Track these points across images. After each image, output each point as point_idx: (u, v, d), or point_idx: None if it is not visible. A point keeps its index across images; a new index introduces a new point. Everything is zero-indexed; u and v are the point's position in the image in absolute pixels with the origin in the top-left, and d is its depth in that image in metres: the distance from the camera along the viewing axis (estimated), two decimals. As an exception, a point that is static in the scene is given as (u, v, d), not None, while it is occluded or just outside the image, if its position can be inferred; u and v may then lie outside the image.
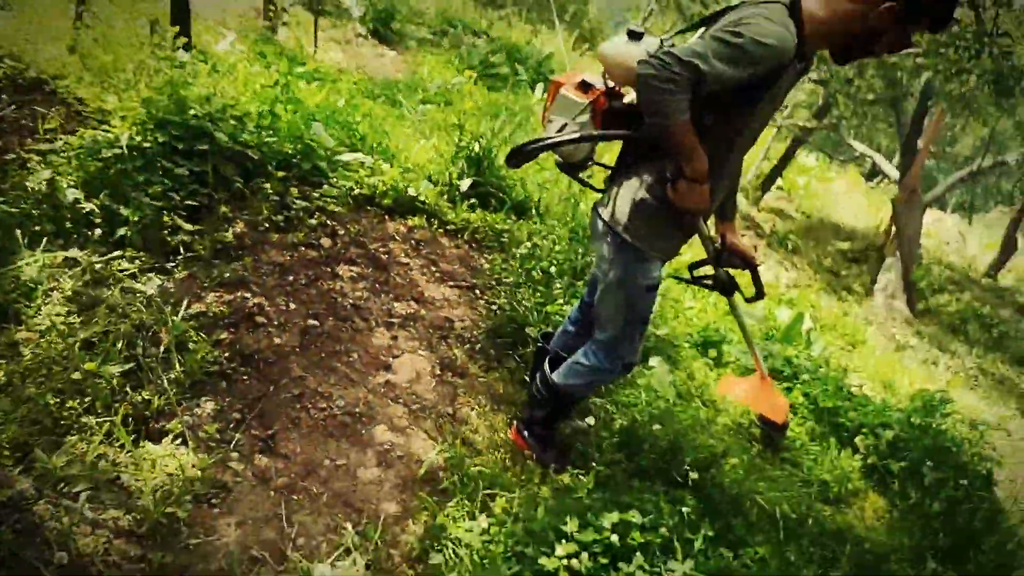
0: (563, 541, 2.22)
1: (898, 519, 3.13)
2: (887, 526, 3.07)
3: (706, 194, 2.19)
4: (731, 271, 2.64)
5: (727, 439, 3.22)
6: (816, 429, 3.59)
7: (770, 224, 9.23)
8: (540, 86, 9.47)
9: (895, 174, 8.39)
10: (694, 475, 2.71)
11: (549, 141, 2.23)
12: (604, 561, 2.21)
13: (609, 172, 2.47)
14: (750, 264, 2.60)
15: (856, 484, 3.34)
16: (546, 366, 2.79)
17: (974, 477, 3.21)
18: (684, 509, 2.46)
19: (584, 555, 2.19)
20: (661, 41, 2.28)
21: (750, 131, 2.26)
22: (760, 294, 2.71)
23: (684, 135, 2.04)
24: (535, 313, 3.60)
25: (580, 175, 2.50)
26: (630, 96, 2.34)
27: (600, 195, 2.51)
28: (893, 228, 8.53)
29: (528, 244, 4.26)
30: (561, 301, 3.73)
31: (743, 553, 2.41)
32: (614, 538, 2.22)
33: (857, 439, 3.43)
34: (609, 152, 2.65)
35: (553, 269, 4.03)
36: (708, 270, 2.63)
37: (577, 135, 2.23)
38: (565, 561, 2.16)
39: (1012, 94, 5.36)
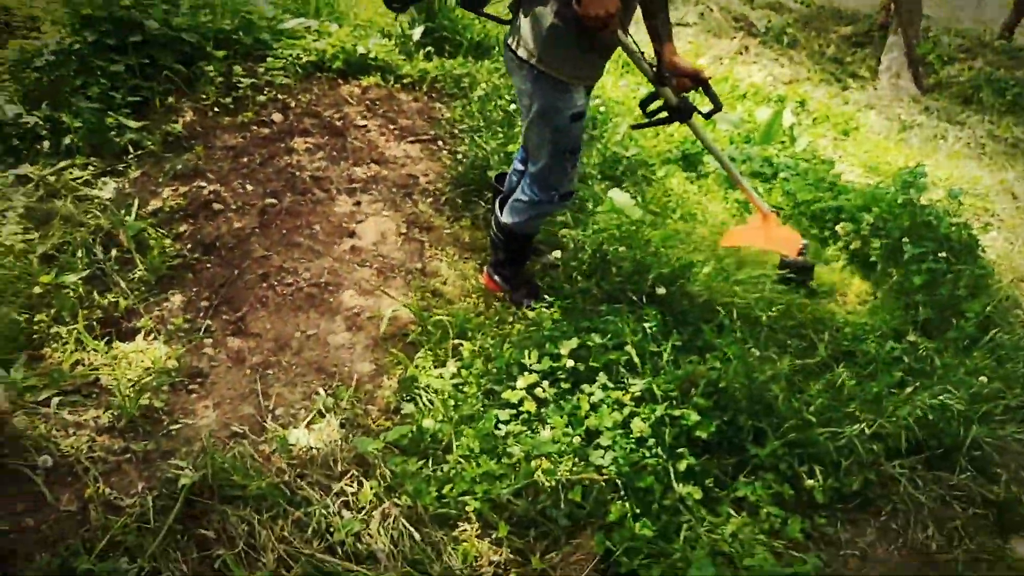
0: (525, 373, 2.28)
1: (881, 300, 3.13)
2: (869, 309, 3.08)
3: None
4: (684, 94, 2.51)
5: (703, 250, 3.20)
6: (799, 225, 3.54)
7: (765, 20, 8.71)
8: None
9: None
10: (661, 290, 2.72)
11: None
12: (567, 386, 2.27)
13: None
14: (699, 80, 2.45)
15: (839, 274, 3.33)
16: (496, 207, 2.76)
17: (956, 246, 3.16)
18: (647, 325, 2.48)
19: (545, 383, 2.25)
20: None
21: None
22: (717, 106, 2.56)
23: None
24: (498, 155, 3.53)
25: (485, 9, 2.34)
26: None
27: (507, 26, 2.37)
28: (892, 3, 7.99)
29: (485, 85, 4.10)
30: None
31: (710, 356, 2.45)
32: (570, 363, 2.27)
33: (838, 227, 3.38)
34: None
35: (513, 107, 3.90)
36: (660, 102, 2.48)
37: None
38: (525, 393, 2.22)
39: None
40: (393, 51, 4.56)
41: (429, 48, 4.67)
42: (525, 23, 2.24)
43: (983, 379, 2.54)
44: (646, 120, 2.56)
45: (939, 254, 3.06)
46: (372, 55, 4.36)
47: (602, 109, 4.26)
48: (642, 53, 2.34)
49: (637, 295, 2.71)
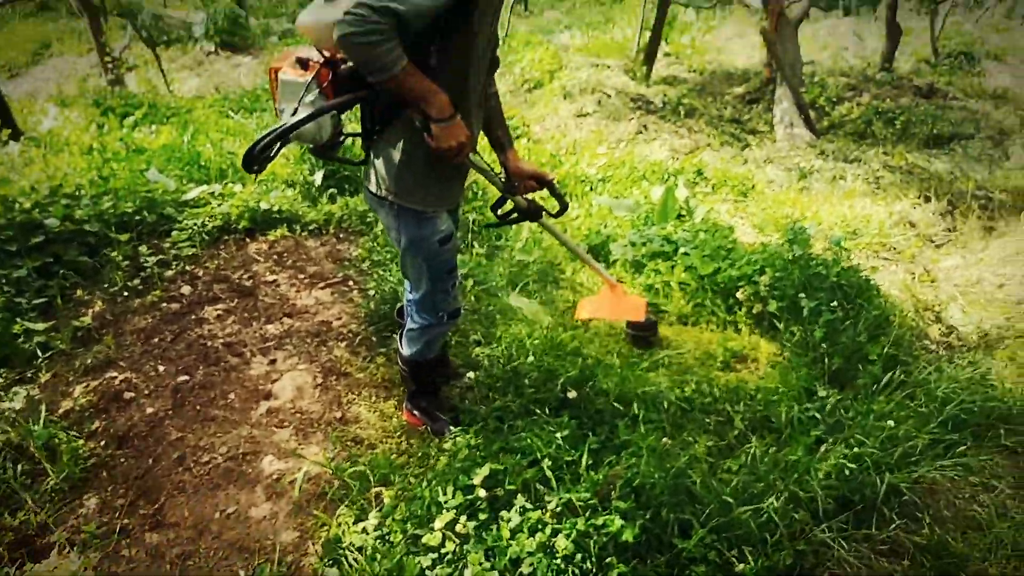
0: (443, 511, 2.27)
1: (789, 360, 3.21)
2: (780, 371, 3.15)
3: (463, 127, 2.14)
4: (530, 196, 2.63)
5: (610, 345, 3.27)
6: (702, 299, 3.64)
7: (662, 96, 9.15)
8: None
9: (758, 4, 8.29)
10: (572, 394, 2.76)
11: (279, 130, 2.09)
12: (485, 516, 2.27)
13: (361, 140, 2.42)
14: (545, 181, 2.60)
15: (747, 339, 3.42)
16: (397, 339, 2.81)
17: (850, 292, 3.28)
18: (559, 435, 2.51)
19: (463, 518, 2.24)
20: None
21: (478, 50, 2.20)
22: (563, 206, 2.73)
23: (411, 80, 1.98)
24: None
25: (337, 154, 2.43)
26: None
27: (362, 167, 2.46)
28: (772, 59, 8.48)
29: (387, 218, 4.22)
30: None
31: (626, 454, 2.47)
32: (482, 493, 2.27)
33: (738, 293, 3.48)
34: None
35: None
36: (509, 204, 2.61)
37: (302, 116, 2.09)
38: (445, 532, 2.21)
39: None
40: (297, 199, 4.70)
41: (332, 190, 4.82)
42: (378, 162, 2.32)
43: (890, 423, 2.60)
44: (498, 221, 2.70)
45: (832, 303, 3.17)
46: (277, 208, 4.49)
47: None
48: (491, 167, 2.46)
49: (549, 404, 2.75)
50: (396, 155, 2.26)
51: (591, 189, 5.45)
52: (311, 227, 4.43)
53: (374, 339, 3.48)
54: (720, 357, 3.22)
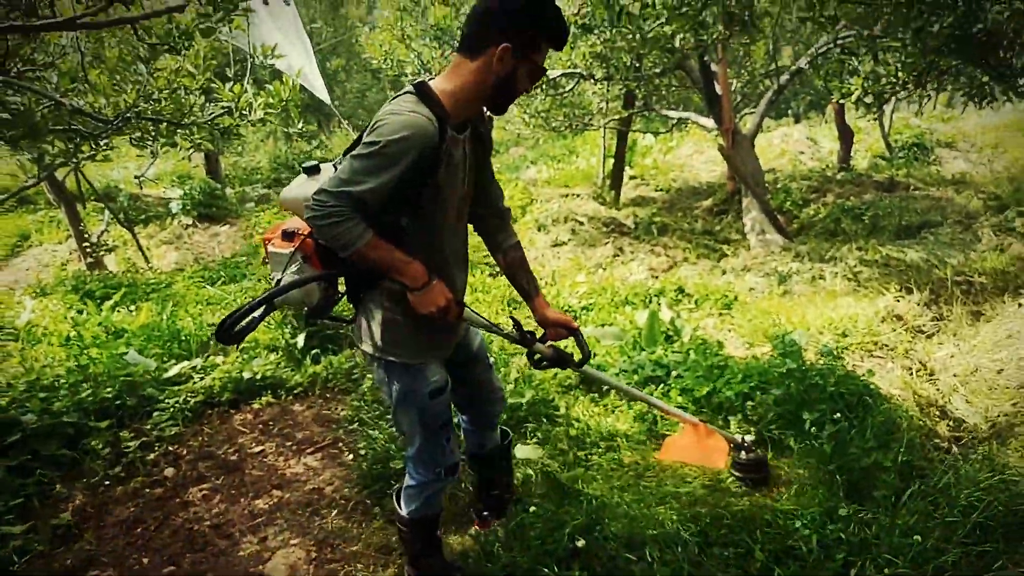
0: None
1: (803, 479, 3.09)
2: (795, 492, 3.02)
3: (442, 289, 2.15)
4: (559, 343, 2.63)
5: (614, 480, 3.14)
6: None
7: (633, 218, 9.38)
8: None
9: (712, 124, 8.66)
10: (580, 542, 2.61)
11: (256, 302, 2.13)
12: None
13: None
14: (572, 330, 2.58)
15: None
16: (394, 500, 2.68)
17: (851, 399, 3.20)
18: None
19: None
20: (334, 166, 2.29)
21: (449, 208, 2.23)
22: (586, 355, 2.66)
23: (377, 253, 2.04)
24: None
25: (327, 315, 2.43)
26: None
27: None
28: (734, 172, 8.79)
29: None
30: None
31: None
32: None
33: (748, 409, 3.39)
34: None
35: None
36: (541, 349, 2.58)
37: (283, 286, 2.18)
38: None
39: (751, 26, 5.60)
40: (281, 364, 4.64)
41: (316, 350, 4.77)
42: (364, 320, 2.32)
43: (917, 538, 2.46)
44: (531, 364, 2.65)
45: (835, 415, 3.08)
46: (260, 375, 4.41)
47: (492, 359, 4.35)
48: (489, 320, 2.44)
49: (558, 555, 2.59)
50: (380, 313, 2.27)
51: (576, 319, 5.44)
52: (296, 391, 4.35)
53: (368, 502, 3.33)
54: (729, 482, 3.09)
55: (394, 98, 2.11)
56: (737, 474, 3.14)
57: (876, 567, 2.39)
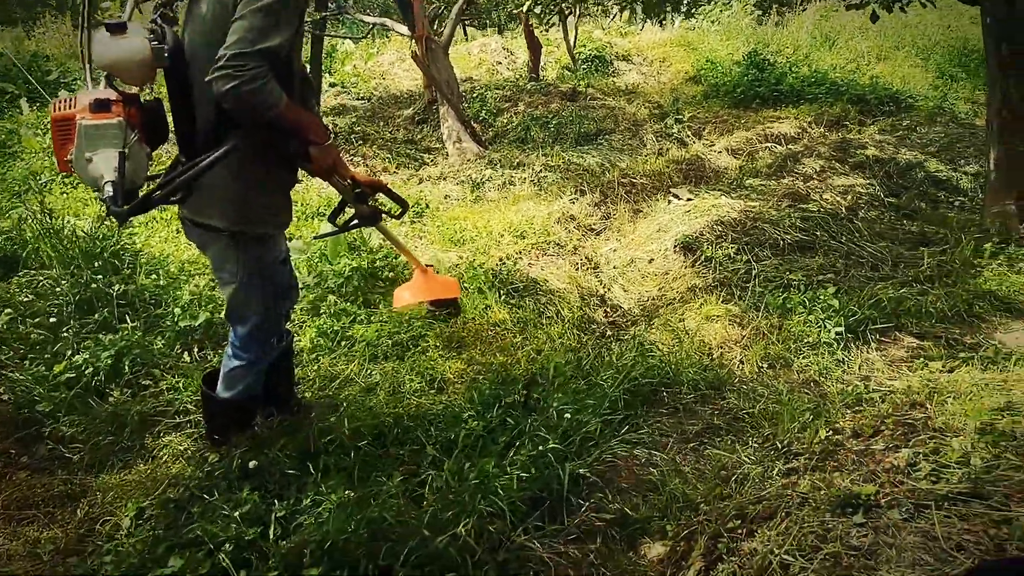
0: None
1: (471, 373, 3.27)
2: (465, 386, 3.19)
3: (336, 146, 2.33)
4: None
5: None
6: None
7: (330, 126, 9.05)
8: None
9: (405, 30, 8.54)
10: (252, 463, 2.53)
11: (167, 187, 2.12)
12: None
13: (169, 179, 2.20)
14: (380, 186, 2.73)
15: (440, 365, 3.43)
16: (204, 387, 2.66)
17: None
18: (238, 512, 2.27)
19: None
20: (154, 24, 2.12)
21: (297, 55, 2.28)
22: (405, 205, 3.02)
23: (292, 111, 2.09)
24: (45, 384, 3.08)
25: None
26: (134, 89, 2.18)
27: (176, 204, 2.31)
28: (430, 81, 8.81)
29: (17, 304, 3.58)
30: (70, 352, 3.24)
31: (310, 515, 2.31)
32: None
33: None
34: None
35: (53, 319, 3.45)
36: (347, 213, 2.73)
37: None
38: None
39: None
40: None
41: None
42: (206, 192, 2.20)
43: (567, 414, 2.74)
44: (336, 229, 2.88)
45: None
46: None
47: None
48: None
49: (229, 477, 2.50)
50: (234, 183, 2.21)
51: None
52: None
53: (13, 451, 2.92)
54: (412, 383, 3.19)
55: None
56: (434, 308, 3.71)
57: (532, 443, 2.63)
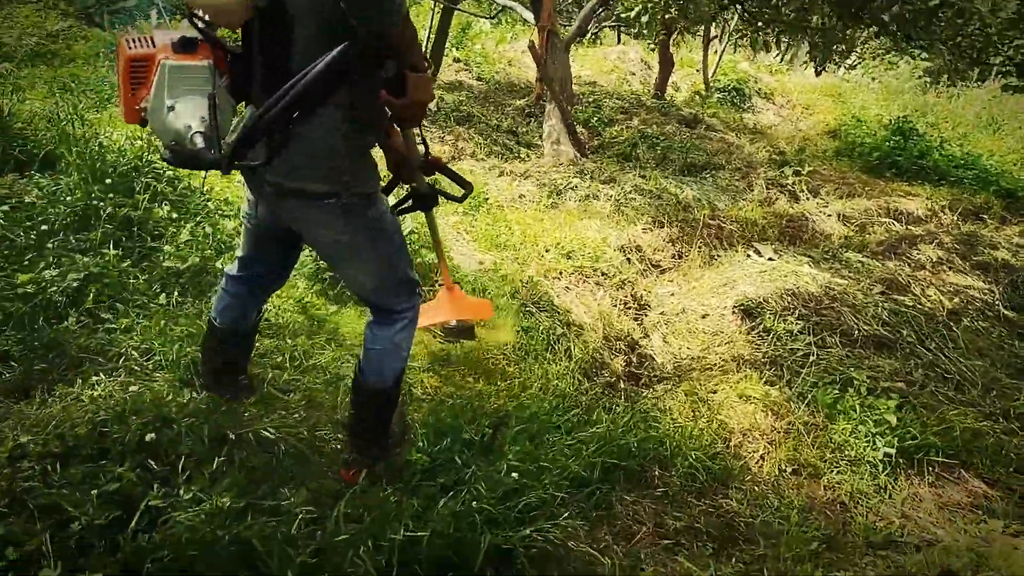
0: None
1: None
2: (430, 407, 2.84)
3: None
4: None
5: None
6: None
7: (437, 100, 8.86)
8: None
9: (531, 17, 8.23)
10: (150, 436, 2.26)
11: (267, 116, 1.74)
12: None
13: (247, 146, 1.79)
14: (439, 166, 2.45)
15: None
16: (362, 379, 2.30)
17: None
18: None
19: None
20: None
21: None
22: (469, 187, 2.66)
23: (408, 27, 1.87)
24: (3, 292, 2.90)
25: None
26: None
27: (254, 171, 1.94)
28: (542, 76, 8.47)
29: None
30: (43, 265, 3.04)
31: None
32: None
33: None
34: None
35: (45, 228, 3.27)
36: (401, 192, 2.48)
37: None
38: None
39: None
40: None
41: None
42: (300, 156, 1.90)
43: (514, 475, 2.33)
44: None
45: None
46: None
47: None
48: None
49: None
50: (336, 142, 1.92)
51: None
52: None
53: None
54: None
55: None
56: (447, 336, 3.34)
57: (471, 495, 2.24)
